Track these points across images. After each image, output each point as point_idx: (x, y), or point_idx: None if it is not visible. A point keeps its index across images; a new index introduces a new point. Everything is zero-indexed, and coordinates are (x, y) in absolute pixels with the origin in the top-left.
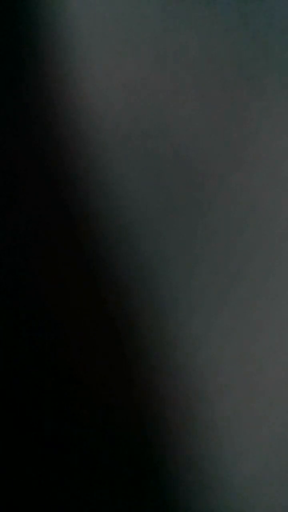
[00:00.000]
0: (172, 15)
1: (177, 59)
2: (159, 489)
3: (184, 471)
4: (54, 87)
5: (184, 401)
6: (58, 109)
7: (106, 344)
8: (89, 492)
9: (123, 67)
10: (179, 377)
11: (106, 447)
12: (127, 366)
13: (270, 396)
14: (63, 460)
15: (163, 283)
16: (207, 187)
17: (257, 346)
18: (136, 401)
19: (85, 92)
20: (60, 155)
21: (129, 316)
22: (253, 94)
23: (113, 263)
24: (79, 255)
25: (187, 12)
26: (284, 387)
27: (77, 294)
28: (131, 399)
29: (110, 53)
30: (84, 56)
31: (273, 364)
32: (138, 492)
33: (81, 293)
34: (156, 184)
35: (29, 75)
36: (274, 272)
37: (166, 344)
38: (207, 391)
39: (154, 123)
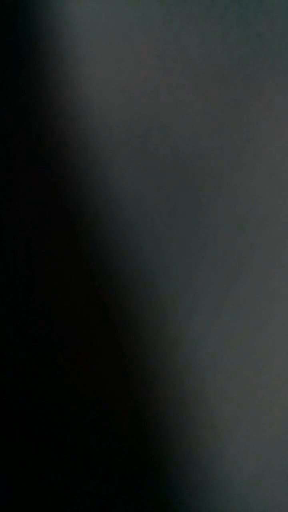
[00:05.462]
0: (172, 15)
1: (177, 59)
2: (159, 489)
3: (184, 471)
4: (54, 87)
5: (184, 402)
6: (58, 109)
7: (106, 344)
8: (89, 492)
9: (123, 68)
10: (179, 377)
11: (106, 447)
12: (127, 366)
13: (270, 396)
14: (62, 460)
15: (163, 283)
16: (207, 187)
17: (257, 346)
18: (136, 401)
19: (85, 92)
20: (60, 155)
21: (129, 316)
22: (253, 94)
23: (113, 263)
24: (78, 255)
25: (187, 12)
26: (284, 387)
27: (76, 294)
28: (131, 399)
29: (110, 54)
30: (84, 57)
31: (273, 364)
32: (138, 492)
33: (80, 293)
34: (156, 184)
35: (29, 75)
36: (274, 272)
37: (166, 344)
38: (206, 391)
39: (154, 123)
